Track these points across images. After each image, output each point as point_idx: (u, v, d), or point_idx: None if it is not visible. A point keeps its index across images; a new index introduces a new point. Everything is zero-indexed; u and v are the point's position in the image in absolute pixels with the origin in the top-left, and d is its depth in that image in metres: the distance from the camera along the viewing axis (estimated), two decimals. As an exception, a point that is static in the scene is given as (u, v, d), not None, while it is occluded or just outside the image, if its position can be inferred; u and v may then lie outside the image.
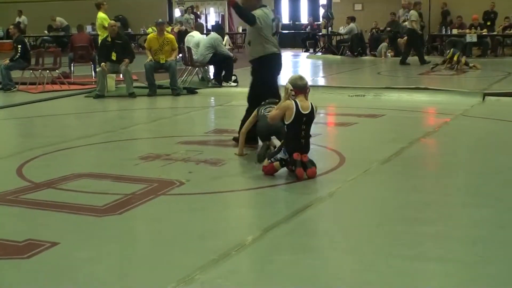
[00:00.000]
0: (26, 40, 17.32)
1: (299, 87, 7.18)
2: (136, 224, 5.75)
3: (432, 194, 6.59)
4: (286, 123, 7.11)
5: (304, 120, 7.07)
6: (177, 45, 15.44)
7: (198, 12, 28.79)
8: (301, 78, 7.36)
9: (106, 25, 16.16)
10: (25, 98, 14.48)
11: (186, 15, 28.08)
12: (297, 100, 7.09)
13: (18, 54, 15.94)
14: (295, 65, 22.83)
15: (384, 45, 24.13)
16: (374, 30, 26.28)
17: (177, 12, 29.93)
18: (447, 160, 8.22)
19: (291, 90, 7.20)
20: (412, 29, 21.27)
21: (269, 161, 7.14)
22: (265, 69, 8.82)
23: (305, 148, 7.14)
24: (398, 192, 6.70)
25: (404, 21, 25.01)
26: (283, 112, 7.08)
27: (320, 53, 26.71)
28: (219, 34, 16.10)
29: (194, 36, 16.54)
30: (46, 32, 30.97)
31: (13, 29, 17.02)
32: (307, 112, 7.08)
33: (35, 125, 11.76)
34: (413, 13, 21.48)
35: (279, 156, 7.09)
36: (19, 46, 16.06)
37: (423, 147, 9.04)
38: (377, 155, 8.10)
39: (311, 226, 5.74)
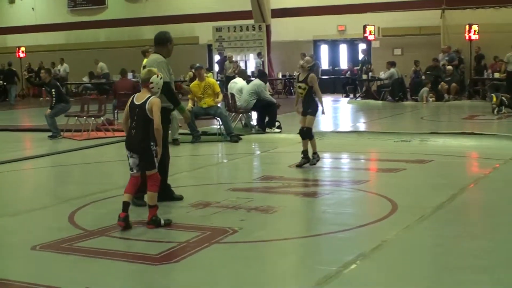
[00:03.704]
0: (58, 83, 17.24)
1: (141, 80, 7.31)
2: (192, 274, 5.68)
3: (490, 241, 6.46)
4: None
5: (137, 111, 7.10)
6: (219, 89, 15.33)
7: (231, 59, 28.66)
8: (147, 72, 7.29)
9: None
10: (70, 145, 14.61)
11: (227, 63, 28.29)
12: (137, 94, 7.27)
13: (54, 99, 15.97)
14: (335, 110, 22.72)
15: (425, 89, 23.99)
16: (415, 69, 25.80)
17: (216, 58, 30.34)
18: (501, 206, 8.05)
19: None
20: (509, 71, 21.08)
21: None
22: None
23: (134, 140, 7.11)
24: (455, 239, 6.55)
25: (444, 65, 24.95)
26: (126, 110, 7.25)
27: (360, 99, 26.63)
28: (262, 81, 16.16)
29: (237, 83, 16.60)
30: (86, 79, 31.38)
31: (44, 74, 16.61)
32: (139, 103, 7.10)
33: (82, 172, 11.82)
34: (507, 55, 21.16)
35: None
36: (53, 90, 16.06)
37: (475, 193, 8.89)
38: (430, 202, 7.98)
39: (366, 277, 5.59)
